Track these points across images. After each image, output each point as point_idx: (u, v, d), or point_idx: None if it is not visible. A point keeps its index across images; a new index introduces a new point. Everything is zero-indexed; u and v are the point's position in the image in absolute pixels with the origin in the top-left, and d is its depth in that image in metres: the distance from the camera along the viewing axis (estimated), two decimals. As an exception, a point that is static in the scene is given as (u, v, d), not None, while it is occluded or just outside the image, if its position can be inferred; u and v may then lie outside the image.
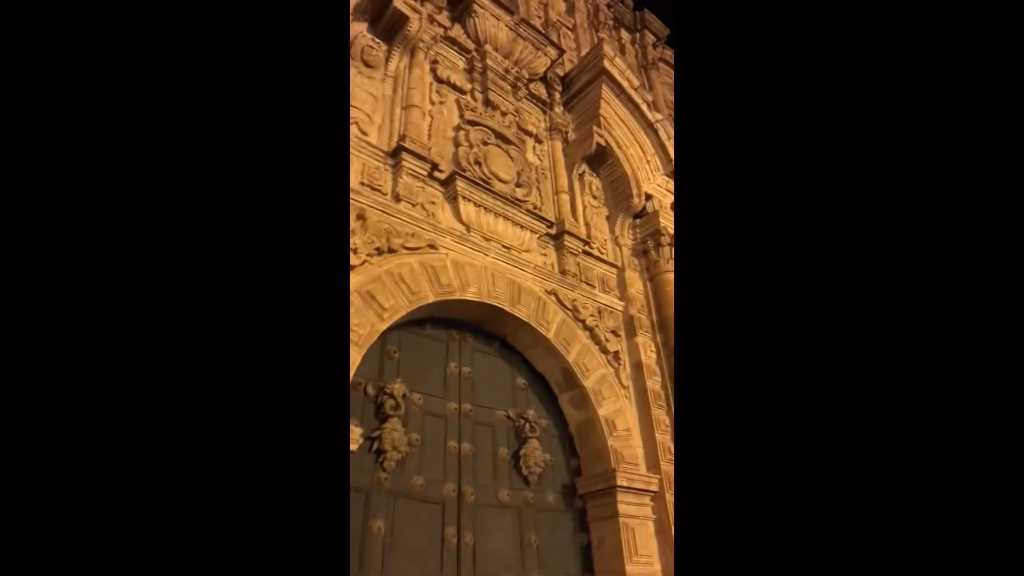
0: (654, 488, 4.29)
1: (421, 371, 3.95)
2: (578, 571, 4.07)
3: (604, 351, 4.77)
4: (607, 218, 5.77)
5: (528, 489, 4.09)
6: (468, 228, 4.32)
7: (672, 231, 5.53)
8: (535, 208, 4.89)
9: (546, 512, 4.12)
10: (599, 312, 4.97)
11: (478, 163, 4.62)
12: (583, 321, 4.76)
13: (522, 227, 4.70)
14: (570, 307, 4.74)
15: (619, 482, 4.09)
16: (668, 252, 5.48)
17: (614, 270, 5.43)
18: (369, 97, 4.32)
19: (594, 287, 5.13)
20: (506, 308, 4.21)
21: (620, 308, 5.20)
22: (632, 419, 4.64)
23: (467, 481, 3.79)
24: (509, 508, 3.92)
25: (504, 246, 4.51)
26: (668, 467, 4.43)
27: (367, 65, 4.48)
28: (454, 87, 5.01)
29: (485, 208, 4.46)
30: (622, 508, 4.09)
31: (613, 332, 4.96)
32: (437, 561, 3.41)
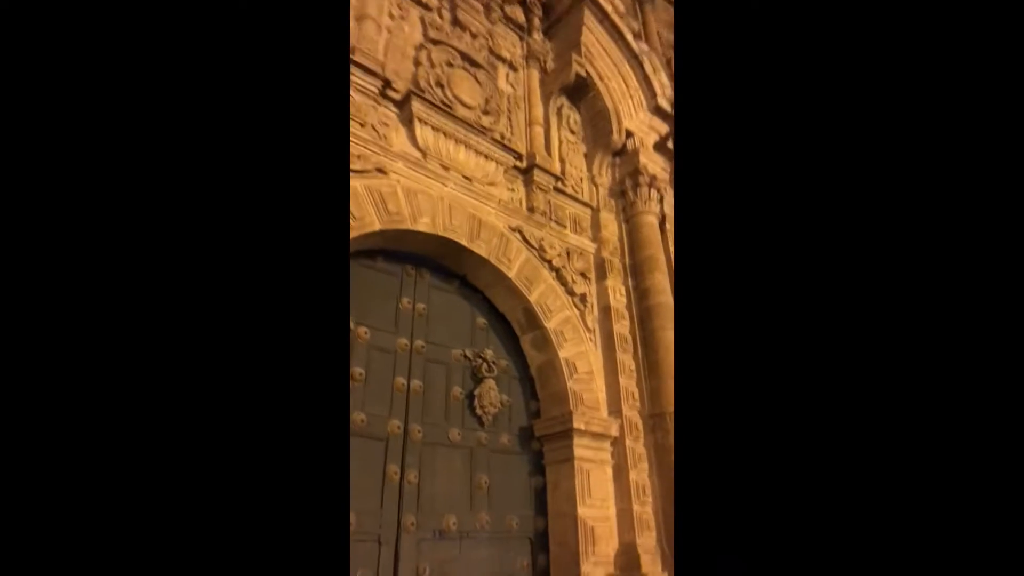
0: (614, 433, 4.16)
1: (370, 305, 3.73)
2: (531, 513, 3.98)
3: (570, 292, 4.55)
4: (585, 155, 5.44)
5: (482, 430, 3.95)
6: (424, 154, 4.01)
7: (651, 171, 5.22)
8: (503, 138, 4.56)
9: (500, 454, 4.00)
10: (568, 253, 4.72)
11: (440, 85, 4.26)
12: (549, 261, 4.52)
13: (487, 157, 4.39)
14: (536, 246, 4.48)
15: (576, 425, 3.95)
16: (646, 193, 5.18)
17: (588, 210, 5.15)
18: (319, 6, 3.93)
19: (564, 227, 4.86)
20: (463, 243, 3.96)
21: (592, 250, 4.95)
22: (596, 363, 4.46)
23: (415, 419, 3.64)
24: (460, 448, 3.79)
25: (465, 176, 4.22)
26: (630, 412, 4.29)
27: (318, -29, 4.06)
28: (418, 2, 4.59)
29: (445, 134, 4.14)
30: (578, 451, 3.96)
31: (582, 274, 4.73)
32: (377, 498, 3.28)
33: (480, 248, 4.05)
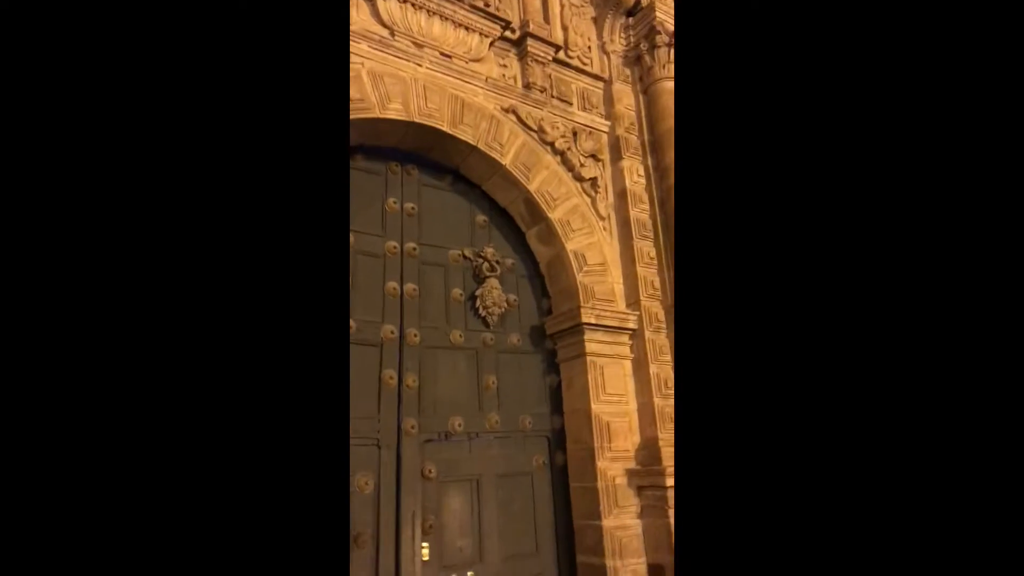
0: (631, 326, 3.84)
1: (351, 207, 3.47)
2: (547, 411, 3.83)
3: (578, 178, 4.09)
4: (593, 20, 4.72)
5: (487, 331, 3.74)
6: (392, 31, 3.54)
7: (669, 29, 4.46)
8: (487, 5, 3.96)
9: (509, 354, 3.80)
10: (574, 134, 4.20)
11: (404, -53, 3.68)
12: (552, 144, 4.04)
13: (468, 29, 3.84)
14: (535, 127, 4.00)
15: (585, 319, 3.65)
16: (666, 55, 4.46)
17: (599, 83, 4.53)
18: None
19: (570, 104, 4.30)
20: (444, 129, 3.55)
21: (604, 128, 4.40)
22: (611, 253, 4.07)
23: (411, 324, 3.46)
24: (463, 350, 3.61)
25: (443, 54, 3.72)
26: (650, 303, 3.93)
27: None
28: None
29: (414, 5, 3.62)
30: (590, 347, 3.70)
31: (592, 156, 4.22)
32: (374, 403, 3.19)
33: (465, 133, 3.63)
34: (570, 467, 3.65)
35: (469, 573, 3.19)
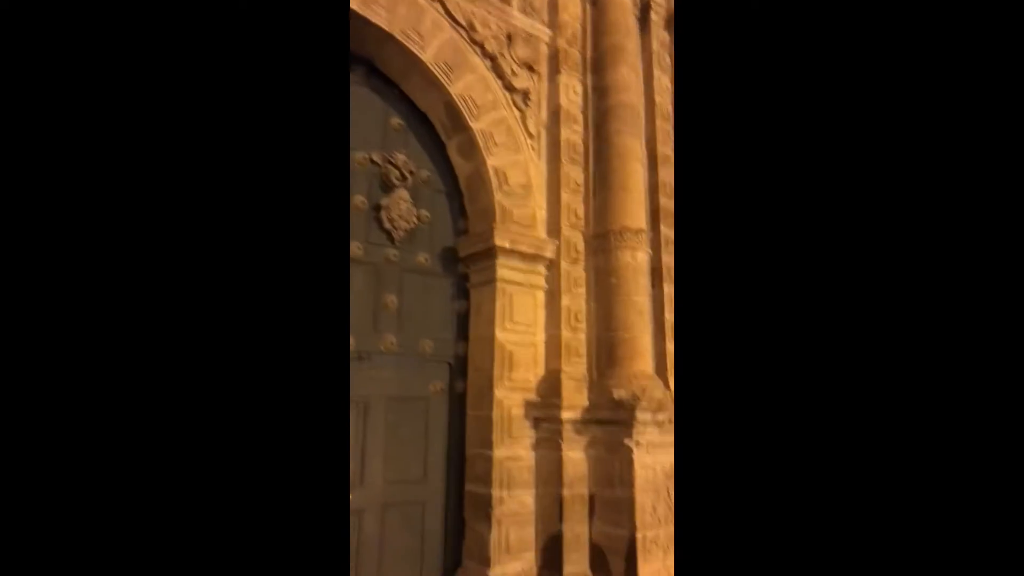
0: (548, 255, 3.61)
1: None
2: (452, 337, 3.61)
3: (508, 88, 3.71)
4: (547, -90, 4.18)
5: (392, 247, 3.43)
6: None
7: (630, -72, 3.99)
8: None
9: (415, 274, 3.52)
10: (509, 37, 3.77)
11: None
12: (481, 45, 3.61)
13: None
14: (463, 23, 3.54)
15: (499, 242, 3.39)
16: (621, -39, 4.02)
17: (544, -15, 4.06)
18: None
19: (509, 3, 3.84)
20: (353, 6, 3.06)
21: (545, 37, 3.98)
22: (537, 175, 3.77)
23: (302, 229, 3.09)
24: (361, 264, 3.29)
25: (359, -85, 3.16)
26: (571, 232, 3.70)
27: None
28: None
29: None
30: (502, 272, 3.46)
31: (527, 66, 3.83)
32: (249, 312, 2.86)
33: (378, 16, 3.16)
34: (468, 395, 3.49)
35: (347, 496, 3.03)
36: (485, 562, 3.11)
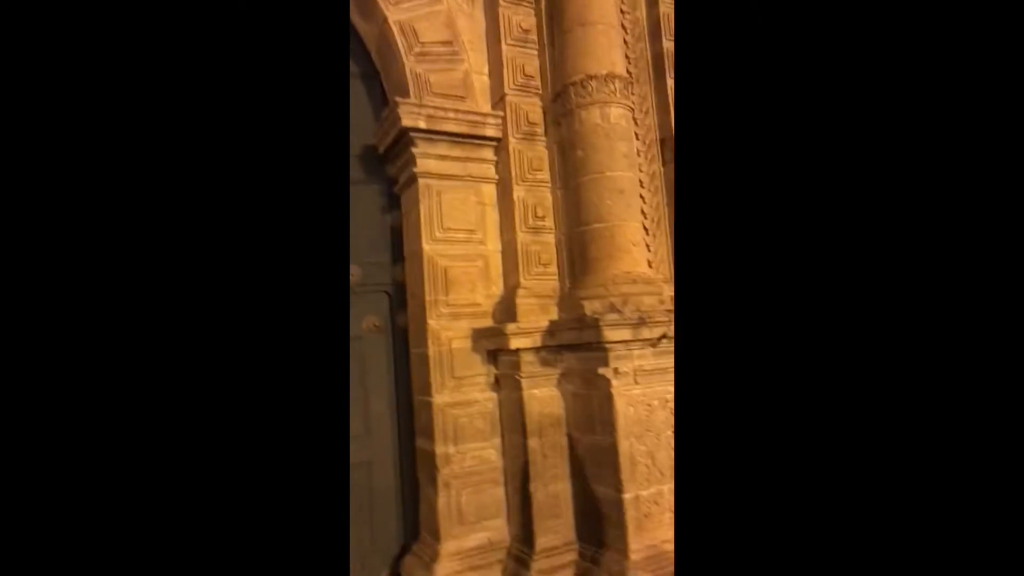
0: (491, 132, 2.66)
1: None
2: (387, 260, 2.85)
3: (410, -94, 2.67)
4: None
5: (285, 151, 2.64)
6: None
7: None
8: None
9: (324, 183, 2.73)
10: None
11: None
12: None
13: None
14: None
15: (409, 122, 2.49)
16: None
17: None
18: None
19: None
20: None
21: None
22: (469, 27, 2.78)
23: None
24: (242, 178, 2.55)
25: None
26: (519, 98, 2.70)
27: None
28: None
29: None
30: (424, 164, 2.58)
31: None
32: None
33: None
34: (410, 329, 2.74)
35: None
36: (436, 535, 2.45)
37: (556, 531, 2.42)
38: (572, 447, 2.49)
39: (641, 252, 2.54)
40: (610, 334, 2.17)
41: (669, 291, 2.49)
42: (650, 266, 2.91)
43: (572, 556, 2.40)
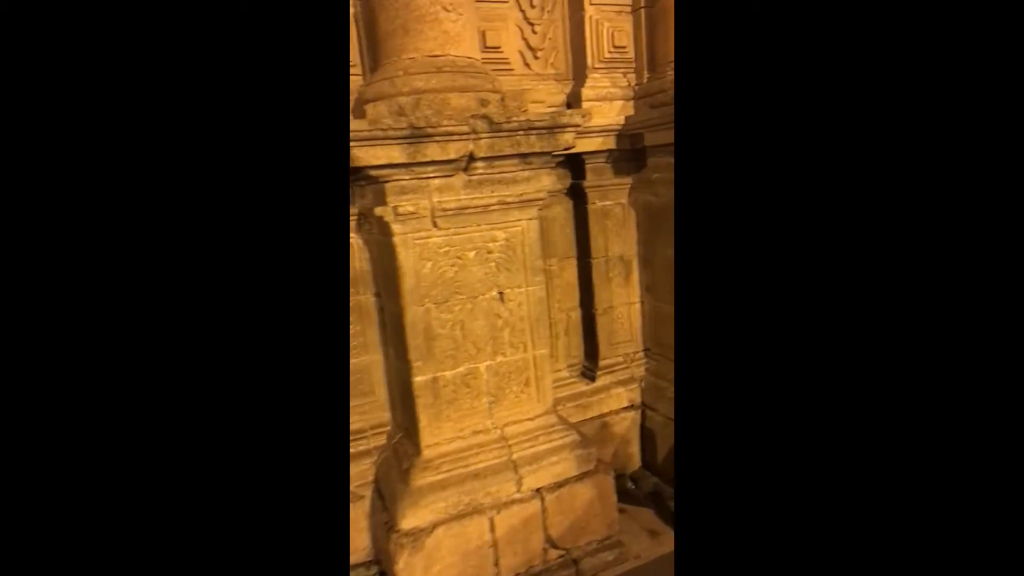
0: None
1: None
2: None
3: None
4: None
5: None
6: None
7: None
8: None
9: None
10: None
11: None
12: None
13: None
14: None
15: None
16: None
17: None
18: None
19: None
20: None
21: None
22: None
23: None
24: None
25: None
26: None
27: None
28: None
29: None
30: None
31: None
32: None
33: None
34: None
35: None
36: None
37: (364, 412, 1.93)
38: (382, 310, 1.89)
39: (466, 25, 1.63)
40: (366, 155, 1.40)
41: (548, 91, 1.63)
42: (535, 54, 2.01)
43: (380, 440, 1.94)
